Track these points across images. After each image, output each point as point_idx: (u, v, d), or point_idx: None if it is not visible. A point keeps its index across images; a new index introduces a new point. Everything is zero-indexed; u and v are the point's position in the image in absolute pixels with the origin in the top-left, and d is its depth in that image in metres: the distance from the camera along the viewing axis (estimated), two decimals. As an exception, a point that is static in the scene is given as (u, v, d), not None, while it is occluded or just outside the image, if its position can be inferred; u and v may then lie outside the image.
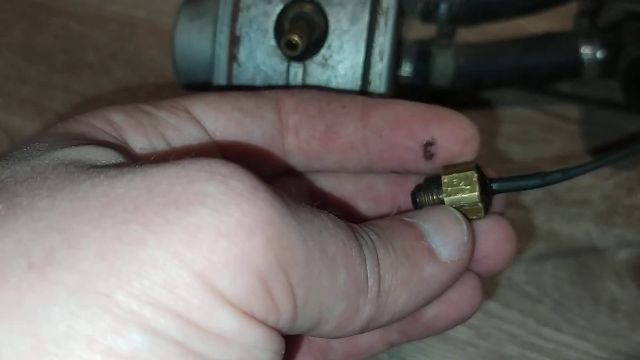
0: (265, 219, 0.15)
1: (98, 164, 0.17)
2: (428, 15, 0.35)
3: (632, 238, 0.35)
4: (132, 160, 0.18)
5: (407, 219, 0.20)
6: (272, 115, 0.23)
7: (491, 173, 0.23)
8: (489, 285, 0.32)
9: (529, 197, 0.37)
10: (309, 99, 0.24)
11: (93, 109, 0.20)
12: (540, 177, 0.21)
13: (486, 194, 0.21)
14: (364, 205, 0.24)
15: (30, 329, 0.13)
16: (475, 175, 0.21)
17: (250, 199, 0.15)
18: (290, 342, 0.22)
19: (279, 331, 0.16)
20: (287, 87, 0.26)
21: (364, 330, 0.19)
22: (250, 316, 0.15)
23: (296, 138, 0.23)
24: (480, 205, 0.21)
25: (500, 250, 0.22)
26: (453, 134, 0.22)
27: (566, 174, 0.21)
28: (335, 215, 0.18)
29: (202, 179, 0.15)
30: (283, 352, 0.16)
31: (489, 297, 0.31)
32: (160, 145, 0.21)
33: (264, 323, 0.16)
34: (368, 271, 0.18)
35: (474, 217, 0.22)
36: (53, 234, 0.14)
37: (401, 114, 0.22)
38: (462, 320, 0.23)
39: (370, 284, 0.18)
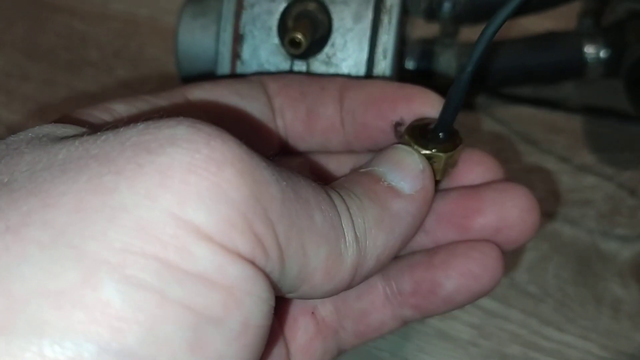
0: (235, 155, 0.15)
1: (72, 134, 0.17)
2: (431, 14, 0.35)
3: (635, 238, 0.35)
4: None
5: (361, 170, 0.20)
6: (263, 97, 0.23)
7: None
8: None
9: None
10: (291, 82, 0.24)
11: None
12: (457, 78, 0.20)
13: (433, 136, 0.21)
14: None
15: (3, 289, 0.13)
16: (405, 134, 0.21)
17: (219, 138, 0.15)
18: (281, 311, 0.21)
19: (267, 276, 0.16)
20: (271, 74, 0.26)
21: (354, 279, 0.19)
22: (234, 252, 0.15)
23: (282, 120, 0.24)
24: (429, 152, 0.21)
25: (524, 220, 0.21)
26: (421, 113, 0.22)
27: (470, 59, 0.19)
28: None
29: (171, 125, 0.15)
30: (272, 304, 0.16)
31: (491, 296, 0.31)
32: None
33: (250, 261, 0.15)
34: (340, 215, 0.18)
35: (443, 154, 0.21)
36: (30, 198, 0.14)
37: (372, 94, 0.22)
38: (483, 294, 0.22)
39: (345, 228, 0.18)
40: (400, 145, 0.21)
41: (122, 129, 0.16)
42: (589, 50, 0.36)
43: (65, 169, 0.15)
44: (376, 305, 0.22)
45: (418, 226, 0.20)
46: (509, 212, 0.21)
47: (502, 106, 0.40)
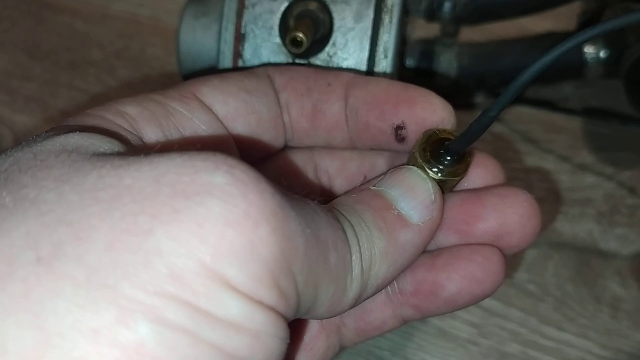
0: (270, 210, 0.16)
1: (101, 150, 0.17)
2: (432, 14, 0.35)
3: (635, 237, 0.35)
4: (134, 149, 0.18)
5: (374, 188, 0.21)
6: (271, 92, 0.23)
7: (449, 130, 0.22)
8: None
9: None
10: (297, 76, 0.24)
11: (104, 103, 0.20)
12: (484, 114, 0.20)
13: (444, 158, 0.21)
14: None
15: (37, 322, 0.13)
16: (417, 156, 0.21)
17: (256, 191, 0.15)
18: (294, 330, 0.22)
19: (285, 318, 0.16)
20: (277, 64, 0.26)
21: (351, 307, 0.19)
22: (259, 302, 0.15)
23: (288, 115, 0.24)
24: (442, 178, 0.21)
25: (525, 226, 0.21)
26: (423, 118, 0.22)
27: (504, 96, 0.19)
28: (317, 200, 0.19)
29: (209, 169, 0.15)
30: (288, 341, 0.17)
31: (491, 296, 0.32)
32: (174, 136, 0.21)
33: (273, 309, 0.16)
34: (351, 250, 0.18)
35: (456, 178, 0.21)
36: (61, 227, 0.14)
37: (376, 94, 0.22)
38: (484, 297, 0.22)
39: (354, 263, 0.18)
40: (414, 168, 0.21)
41: (156, 159, 0.16)
42: (589, 50, 0.36)
43: (97, 198, 0.15)
44: (377, 304, 0.23)
45: (418, 255, 0.21)
46: (510, 218, 0.21)
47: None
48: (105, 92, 0.44)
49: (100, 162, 0.16)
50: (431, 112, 0.22)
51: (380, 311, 0.23)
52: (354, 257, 0.18)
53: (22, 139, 0.18)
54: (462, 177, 0.21)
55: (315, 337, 0.23)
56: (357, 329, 0.23)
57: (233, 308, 0.15)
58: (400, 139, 0.22)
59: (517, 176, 0.38)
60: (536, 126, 0.40)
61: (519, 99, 0.39)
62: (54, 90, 0.44)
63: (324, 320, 0.23)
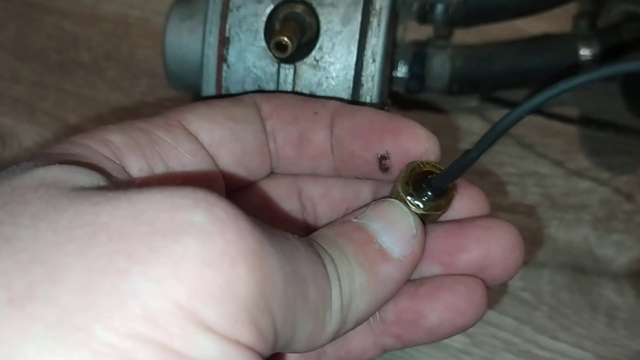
0: (248, 248, 0.15)
1: (80, 184, 0.16)
2: (424, 17, 0.34)
3: (632, 244, 0.34)
4: (114, 183, 0.18)
5: (355, 220, 0.21)
6: (258, 120, 0.23)
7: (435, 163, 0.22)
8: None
9: (526, 201, 0.36)
10: (284, 104, 0.24)
11: (89, 130, 0.20)
12: (466, 154, 0.20)
13: (427, 193, 0.21)
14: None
15: None
16: (400, 189, 0.21)
17: (234, 229, 0.15)
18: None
19: (260, 355, 0.16)
20: (262, 91, 0.26)
21: (330, 341, 0.19)
22: (235, 342, 0.15)
23: (274, 143, 0.24)
24: (424, 212, 0.21)
25: (508, 258, 0.22)
26: (407, 148, 0.22)
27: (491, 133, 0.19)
28: (296, 234, 0.19)
29: (188, 207, 0.15)
30: None
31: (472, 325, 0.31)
32: (158, 165, 0.21)
33: (249, 348, 0.16)
34: (331, 285, 0.18)
35: (438, 212, 0.21)
36: (35, 267, 0.14)
37: (361, 124, 0.23)
38: (465, 328, 0.22)
39: (333, 298, 0.18)
40: (396, 202, 0.21)
41: (134, 196, 0.15)
42: (585, 52, 0.35)
43: (72, 236, 0.15)
44: (358, 332, 0.22)
45: (399, 289, 0.21)
46: (493, 250, 0.22)
47: (496, 109, 0.39)
48: (93, 94, 0.43)
49: (78, 199, 0.15)
50: (415, 142, 0.22)
51: (361, 340, 0.23)
52: (333, 292, 0.18)
53: (2, 171, 0.17)
54: (445, 212, 0.22)
55: None
56: (337, 357, 0.23)
57: (208, 349, 0.14)
58: (384, 168, 0.22)
59: (511, 181, 0.37)
60: (531, 130, 0.39)
61: (513, 104, 0.39)
62: (42, 93, 0.43)
63: None
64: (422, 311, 0.22)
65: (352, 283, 0.19)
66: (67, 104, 0.42)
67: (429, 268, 0.22)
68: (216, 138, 0.22)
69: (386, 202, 0.21)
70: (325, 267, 0.18)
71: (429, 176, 0.21)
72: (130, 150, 0.20)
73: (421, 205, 0.21)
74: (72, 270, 0.14)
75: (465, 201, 0.22)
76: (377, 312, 0.22)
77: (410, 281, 0.22)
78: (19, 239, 0.14)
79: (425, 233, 0.21)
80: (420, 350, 0.30)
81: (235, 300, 0.15)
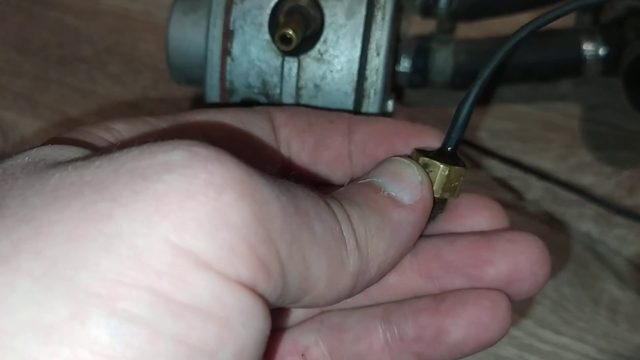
0: (234, 177, 0.15)
1: (70, 158, 0.16)
2: (428, 11, 0.34)
3: (634, 238, 0.34)
4: (98, 151, 0.18)
5: (360, 181, 0.20)
6: (268, 127, 0.23)
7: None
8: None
9: (528, 196, 0.36)
10: (299, 113, 0.24)
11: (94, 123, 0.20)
12: (459, 106, 0.20)
13: (447, 153, 0.21)
14: None
15: None
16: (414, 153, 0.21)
17: (216, 161, 0.15)
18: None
19: (267, 301, 0.15)
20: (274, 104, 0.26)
21: (356, 287, 0.18)
22: (233, 280, 0.14)
23: (288, 150, 0.23)
24: (426, 159, 0.21)
25: (537, 274, 0.21)
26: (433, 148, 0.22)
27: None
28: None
29: (167, 150, 0.15)
30: (268, 333, 0.15)
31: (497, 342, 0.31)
32: None
33: (251, 289, 0.15)
34: (341, 224, 0.18)
35: (458, 167, 0.21)
36: (21, 226, 0.14)
37: (384, 129, 0.23)
38: (490, 344, 0.21)
39: (346, 236, 0.18)
40: (397, 157, 0.21)
41: (116, 154, 0.15)
42: (588, 47, 0.35)
43: (58, 196, 0.14)
44: (374, 350, 0.21)
45: (417, 236, 0.20)
46: (522, 264, 0.21)
47: (500, 103, 0.39)
48: (95, 88, 0.43)
49: (62, 166, 0.15)
50: (439, 143, 0.22)
51: (376, 358, 0.21)
52: (345, 230, 0.18)
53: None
54: (450, 175, 0.21)
55: None
56: None
57: (200, 289, 0.14)
58: None
59: (514, 176, 0.37)
60: (534, 125, 0.39)
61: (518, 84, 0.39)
62: (44, 87, 0.43)
63: None
64: (445, 327, 0.21)
65: (366, 224, 0.18)
66: (69, 98, 0.42)
67: (451, 281, 0.21)
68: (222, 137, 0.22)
69: (387, 160, 0.21)
70: (329, 205, 0.18)
71: (441, 146, 0.21)
72: (129, 142, 0.20)
73: (426, 155, 0.21)
74: (58, 223, 0.14)
75: (486, 214, 0.22)
76: (395, 329, 0.21)
77: (432, 296, 0.21)
78: (7, 207, 0.14)
79: (430, 180, 0.21)
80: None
81: (229, 228, 0.14)
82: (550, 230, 0.35)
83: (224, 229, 0.14)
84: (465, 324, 0.20)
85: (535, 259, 0.21)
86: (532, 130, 0.39)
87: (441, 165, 0.21)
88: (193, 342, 0.14)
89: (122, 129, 0.20)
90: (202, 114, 0.22)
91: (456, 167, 0.21)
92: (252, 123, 0.23)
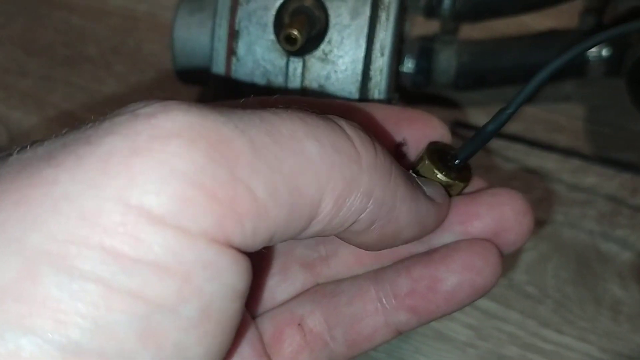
0: (181, 125, 0.14)
1: None
2: (431, 11, 0.35)
3: (636, 239, 0.34)
4: None
5: None
6: None
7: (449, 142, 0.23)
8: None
9: (531, 196, 0.36)
10: (290, 103, 0.24)
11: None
12: (485, 127, 0.21)
13: (451, 168, 0.21)
14: None
15: None
16: (426, 158, 0.21)
17: (161, 113, 0.14)
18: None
19: (246, 246, 0.15)
20: (271, 93, 0.26)
21: (370, 216, 0.17)
22: (193, 233, 0.14)
23: None
24: (450, 181, 0.21)
25: (521, 223, 0.22)
26: (424, 135, 0.22)
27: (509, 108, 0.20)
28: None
29: (111, 117, 0.15)
30: (241, 287, 0.15)
31: (489, 297, 0.31)
32: None
33: (220, 240, 0.14)
34: (354, 142, 0.17)
35: (462, 183, 0.22)
36: None
37: (375, 116, 0.23)
38: (483, 291, 0.21)
39: (361, 151, 0.17)
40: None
41: (71, 129, 0.15)
42: (591, 49, 0.35)
43: (10, 171, 0.14)
44: (368, 310, 0.22)
45: (427, 234, 0.20)
46: (507, 215, 0.21)
47: (503, 104, 0.39)
48: (101, 88, 0.43)
49: (22, 147, 0.15)
50: (431, 128, 0.22)
51: (371, 318, 0.22)
52: (358, 146, 0.17)
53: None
54: (467, 184, 0.22)
55: (297, 353, 0.22)
56: (348, 340, 0.22)
57: (154, 245, 0.13)
58: (402, 155, 0.22)
59: (517, 176, 0.37)
60: (537, 125, 0.39)
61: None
62: (50, 86, 0.43)
63: (307, 334, 0.22)
64: (439, 275, 0.21)
65: (388, 158, 0.18)
66: (74, 98, 0.43)
67: (440, 239, 0.22)
68: None
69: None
70: (335, 124, 0.17)
71: (452, 151, 0.21)
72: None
73: (446, 175, 0.21)
74: (6, 191, 0.14)
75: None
76: (388, 287, 0.21)
77: (423, 252, 0.22)
78: None
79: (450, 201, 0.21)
80: (425, 342, 0.31)
81: (178, 178, 0.14)
82: (553, 230, 0.35)
83: (174, 180, 0.14)
84: (460, 268, 0.21)
85: (519, 209, 0.21)
86: (536, 131, 0.39)
87: (461, 184, 0.22)
88: (150, 298, 0.14)
89: None
90: None
91: (460, 183, 0.21)
92: None
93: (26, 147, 0.15)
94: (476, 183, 0.23)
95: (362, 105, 0.23)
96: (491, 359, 0.30)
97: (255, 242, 0.15)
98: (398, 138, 0.22)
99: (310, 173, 0.16)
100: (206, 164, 0.14)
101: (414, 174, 0.20)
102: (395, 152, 0.22)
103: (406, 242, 0.20)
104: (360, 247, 0.19)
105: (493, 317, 0.31)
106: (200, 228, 0.14)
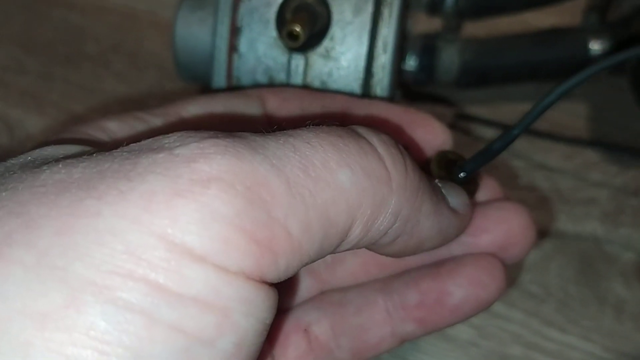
0: (220, 168, 0.15)
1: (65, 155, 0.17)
2: (434, 9, 0.34)
3: (639, 238, 0.34)
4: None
5: None
6: (260, 112, 0.24)
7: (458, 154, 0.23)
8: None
9: (534, 195, 0.36)
10: (291, 97, 0.24)
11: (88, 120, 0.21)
12: (492, 145, 0.21)
13: (457, 179, 0.22)
14: None
15: None
16: (435, 169, 0.22)
17: (199, 157, 0.15)
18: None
19: (268, 285, 0.15)
20: (271, 86, 0.26)
21: (396, 232, 0.18)
22: (232, 271, 0.14)
23: None
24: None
25: (527, 237, 0.23)
26: (424, 142, 0.23)
27: (521, 124, 0.20)
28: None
29: (149, 154, 0.15)
30: (269, 322, 0.15)
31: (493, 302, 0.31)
32: None
33: (254, 277, 0.15)
34: (386, 162, 0.17)
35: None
36: (12, 218, 0.14)
37: (376, 117, 0.23)
38: (487, 304, 0.22)
39: (392, 171, 0.17)
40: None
41: (104, 155, 0.15)
42: (594, 46, 0.35)
43: (47, 192, 0.14)
44: (376, 321, 0.22)
45: (454, 238, 0.21)
46: (514, 230, 0.22)
47: (506, 103, 0.39)
48: (100, 86, 0.43)
49: (54, 162, 0.15)
50: (432, 135, 0.23)
51: (378, 328, 0.22)
52: (390, 168, 0.17)
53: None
54: (472, 197, 0.22)
55: (301, 358, 0.22)
56: (353, 349, 0.22)
57: (196, 281, 0.14)
58: None
59: (520, 174, 0.37)
60: (540, 124, 0.39)
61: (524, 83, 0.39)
62: (49, 85, 0.43)
63: (313, 341, 0.22)
64: (447, 289, 0.22)
65: (417, 175, 0.18)
66: (74, 96, 0.42)
67: (448, 251, 0.22)
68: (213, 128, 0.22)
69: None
70: (370, 145, 0.17)
71: (457, 163, 0.21)
72: (124, 135, 0.20)
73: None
74: (47, 217, 0.14)
75: (483, 192, 0.23)
76: (396, 298, 0.22)
77: (430, 264, 0.22)
78: (0, 199, 0.15)
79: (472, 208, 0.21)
80: (427, 341, 0.30)
81: (219, 221, 0.14)
82: (556, 229, 0.34)
83: (215, 222, 0.14)
84: (466, 283, 0.22)
85: (525, 224, 0.23)
86: (538, 129, 0.39)
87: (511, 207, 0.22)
88: (190, 331, 0.14)
89: (114, 127, 0.20)
90: (193, 104, 0.23)
91: (478, 188, 0.22)
92: (244, 110, 0.23)
93: (57, 163, 0.15)
94: (491, 188, 0.23)
95: (362, 102, 0.23)
96: (494, 358, 0.30)
97: (287, 274, 0.16)
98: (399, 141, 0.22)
99: (342, 202, 0.16)
100: (245, 206, 0.14)
101: (439, 184, 0.20)
102: None
103: (428, 250, 0.20)
104: (382, 255, 0.19)
105: (496, 316, 0.31)
106: (239, 267, 0.14)
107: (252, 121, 0.23)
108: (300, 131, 0.16)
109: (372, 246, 0.18)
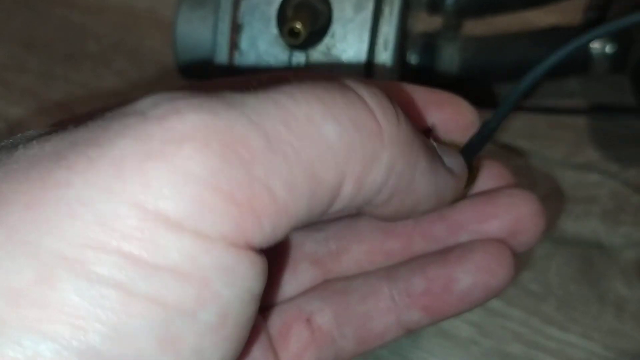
0: (193, 126, 0.14)
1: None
2: (434, 7, 0.34)
3: (640, 236, 0.34)
4: None
5: None
6: None
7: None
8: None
9: (535, 193, 0.36)
10: (303, 77, 0.23)
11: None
12: (484, 125, 0.20)
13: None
14: None
15: None
16: None
17: (172, 116, 0.14)
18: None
19: (257, 252, 0.14)
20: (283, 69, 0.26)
21: (390, 190, 0.17)
22: (215, 238, 0.14)
23: None
24: None
25: (537, 224, 0.22)
26: (453, 121, 0.21)
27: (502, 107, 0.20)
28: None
29: (119, 117, 0.14)
30: (257, 291, 0.15)
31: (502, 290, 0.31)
32: None
33: (238, 243, 0.14)
34: (376, 115, 0.16)
35: (468, 185, 0.22)
36: None
37: (400, 97, 0.22)
38: (496, 292, 0.21)
39: (383, 123, 0.16)
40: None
41: (79, 126, 0.15)
42: (594, 45, 0.35)
43: (19, 168, 0.14)
44: (380, 309, 0.22)
45: (449, 201, 0.20)
46: (524, 215, 0.22)
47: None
48: (101, 85, 0.43)
49: (29, 140, 0.15)
50: (461, 115, 0.22)
51: (383, 317, 0.22)
52: (381, 120, 0.16)
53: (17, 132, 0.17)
54: (472, 187, 0.22)
55: (304, 349, 0.21)
56: (357, 338, 0.22)
57: (172, 250, 0.13)
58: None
59: (520, 173, 0.37)
60: (540, 122, 0.39)
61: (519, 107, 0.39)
62: (50, 83, 0.43)
63: (316, 331, 0.22)
64: (454, 275, 0.21)
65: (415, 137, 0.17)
66: (74, 94, 0.43)
67: (456, 239, 0.22)
68: None
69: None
70: (356, 94, 0.16)
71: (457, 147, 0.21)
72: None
73: None
74: (16, 192, 0.13)
75: (493, 181, 0.23)
76: (402, 285, 0.21)
77: (437, 252, 0.22)
78: None
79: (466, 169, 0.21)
80: (428, 339, 0.30)
81: (194, 182, 0.13)
82: (557, 228, 0.35)
83: (189, 184, 0.13)
84: (475, 269, 0.21)
85: (535, 211, 0.22)
86: (539, 128, 0.39)
87: (469, 186, 0.21)
88: (169, 303, 0.13)
89: None
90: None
91: (476, 177, 0.22)
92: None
93: (32, 140, 0.15)
94: (502, 175, 0.23)
95: (387, 85, 0.22)
96: (494, 356, 0.30)
97: (275, 238, 0.15)
98: (425, 124, 0.21)
99: (329, 158, 0.15)
100: (221, 165, 0.14)
101: (434, 143, 0.19)
102: None
103: (423, 214, 0.19)
104: (377, 219, 0.19)
105: (496, 315, 0.31)
106: (219, 232, 0.14)
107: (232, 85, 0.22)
108: (282, 86, 0.15)
109: (367, 207, 0.17)
